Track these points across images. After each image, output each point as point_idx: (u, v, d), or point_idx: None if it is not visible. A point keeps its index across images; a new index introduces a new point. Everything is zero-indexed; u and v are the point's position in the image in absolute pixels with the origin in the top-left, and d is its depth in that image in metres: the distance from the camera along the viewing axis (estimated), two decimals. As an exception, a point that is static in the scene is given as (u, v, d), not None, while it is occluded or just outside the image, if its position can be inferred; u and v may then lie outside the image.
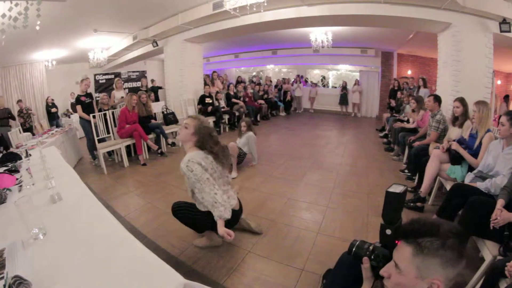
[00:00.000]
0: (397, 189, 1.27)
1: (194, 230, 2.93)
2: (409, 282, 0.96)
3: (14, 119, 8.07)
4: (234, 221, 2.68)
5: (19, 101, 9.09)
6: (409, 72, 10.50)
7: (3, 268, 1.34)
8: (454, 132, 4.06)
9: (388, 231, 1.19)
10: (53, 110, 9.80)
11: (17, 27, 3.76)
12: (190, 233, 3.14)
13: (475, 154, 3.18)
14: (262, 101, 11.16)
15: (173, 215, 2.73)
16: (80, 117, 5.98)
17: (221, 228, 2.17)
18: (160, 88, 10.05)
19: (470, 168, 3.16)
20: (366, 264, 1.21)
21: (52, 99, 9.94)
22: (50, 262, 1.41)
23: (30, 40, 7.26)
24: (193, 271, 2.52)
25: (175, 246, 2.94)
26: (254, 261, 2.68)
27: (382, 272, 1.06)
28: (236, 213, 2.68)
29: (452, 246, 0.89)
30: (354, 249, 1.27)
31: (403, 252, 0.97)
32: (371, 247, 1.23)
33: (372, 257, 1.18)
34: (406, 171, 4.77)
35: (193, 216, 2.63)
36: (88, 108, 5.93)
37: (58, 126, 8.64)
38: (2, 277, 1.27)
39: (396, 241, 1.01)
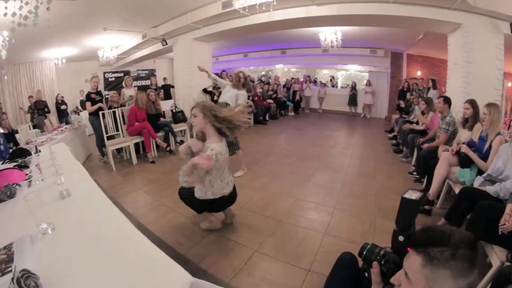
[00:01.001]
0: (413, 195, 1.23)
1: (194, 210, 3.12)
2: None
3: (49, 112, 9.25)
4: (222, 206, 3.03)
5: (30, 97, 9.23)
6: (419, 73, 10.38)
7: (11, 262, 1.37)
8: (463, 135, 4.01)
9: (401, 238, 1.17)
10: (63, 107, 9.89)
11: (27, 25, 3.81)
12: (197, 231, 3.18)
13: (484, 157, 3.13)
14: (271, 101, 11.17)
15: (179, 197, 3.07)
16: (90, 114, 6.04)
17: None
18: (172, 86, 10.06)
19: (480, 172, 3.12)
20: (376, 269, 1.19)
21: (62, 97, 10.01)
22: (58, 257, 1.43)
23: (40, 38, 7.35)
24: (199, 269, 2.54)
25: (182, 244, 2.96)
26: (261, 260, 2.69)
27: (393, 280, 1.04)
28: (227, 199, 2.95)
29: (463, 256, 0.86)
30: (365, 252, 1.26)
31: (412, 261, 0.95)
32: (382, 252, 1.22)
33: (383, 262, 1.16)
34: (415, 173, 4.73)
35: (192, 199, 2.92)
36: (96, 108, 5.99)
37: (67, 123, 8.74)
38: (10, 271, 1.29)
39: (408, 248, 0.99)
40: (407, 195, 1.22)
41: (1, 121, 5.13)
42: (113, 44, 9.64)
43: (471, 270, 0.87)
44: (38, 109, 8.99)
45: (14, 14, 3.76)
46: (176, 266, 1.33)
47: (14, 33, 4.07)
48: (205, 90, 8.66)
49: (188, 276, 1.26)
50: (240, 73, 4.95)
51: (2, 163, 3.19)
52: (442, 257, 0.88)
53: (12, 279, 1.07)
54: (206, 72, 5.30)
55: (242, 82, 4.84)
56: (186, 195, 2.98)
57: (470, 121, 3.87)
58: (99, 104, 5.92)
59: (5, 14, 3.72)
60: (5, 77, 9.20)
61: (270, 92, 11.55)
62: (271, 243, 2.97)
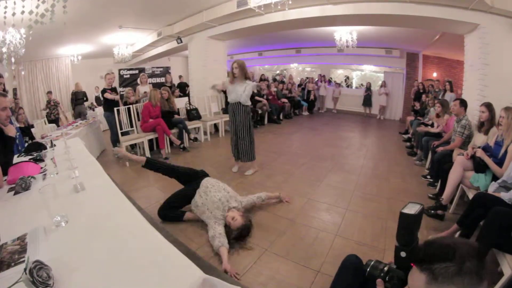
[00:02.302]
0: (412, 209, 1.17)
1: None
2: None
3: (87, 99, 10.23)
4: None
5: (48, 92, 9.43)
6: (435, 74, 10.20)
7: (24, 252, 1.40)
8: (479, 139, 3.93)
9: (403, 254, 1.14)
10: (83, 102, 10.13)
11: (44, 23, 3.89)
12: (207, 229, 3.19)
13: (500, 162, 3.06)
14: (285, 100, 11.13)
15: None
16: (105, 110, 6.13)
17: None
18: (187, 85, 10.10)
19: (494, 177, 3.05)
20: (380, 286, 1.16)
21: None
22: (70, 249, 1.45)
23: (57, 35, 7.50)
24: (209, 267, 2.54)
25: (193, 241, 2.99)
26: (271, 259, 2.70)
27: None
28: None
29: (470, 270, 0.81)
30: (368, 269, 1.24)
31: (416, 279, 0.91)
32: (386, 268, 1.20)
33: (387, 278, 1.15)
34: (429, 177, 4.66)
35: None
36: (113, 101, 6.08)
37: (80, 115, 8.97)
38: (23, 261, 1.32)
39: (412, 264, 0.96)
40: (406, 210, 1.17)
41: (17, 115, 5.24)
42: (128, 41, 9.76)
43: (479, 283, 0.82)
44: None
45: (31, 12, 3.84)
46: (188, 263, 1.34)
47: (31, 31, 4.16)
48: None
49: (199, 272, 1.26)
50: (234, 64, 4.58)
51: (17, 156, 3.25)
52: (448, 274, 0.82)
53: (25, 269, 1.09)
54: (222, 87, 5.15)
55: (236, 74, 4.55)
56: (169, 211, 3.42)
57: (486, 124, 3.80)
58: (117, 97, 6.02)
59: (22, 12, 3.79)
60: (22, 73, 9.42)
61: (284, 92, 11.52)
62: (281, 242, 2.97)
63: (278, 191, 3.99)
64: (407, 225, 1.12)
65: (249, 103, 4.71)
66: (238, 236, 2.88)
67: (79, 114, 9.42)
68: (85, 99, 10.06)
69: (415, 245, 1.14)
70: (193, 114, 7.39)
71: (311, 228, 3.24)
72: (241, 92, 4.55)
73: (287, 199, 3.87)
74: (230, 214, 3.00)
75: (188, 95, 9.04)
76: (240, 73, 4.54)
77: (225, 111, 8.52)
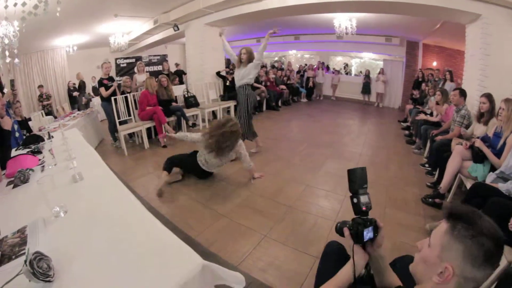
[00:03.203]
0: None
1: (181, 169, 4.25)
2: (431, 259, 0.97)
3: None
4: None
5: (40, 86, 9.35)
6: (435, 63, 10.13)
7: (25, 245, 1.41)
8: (478, 129, 3.92)
9: (355, 200, 1.28)
10: (75, 94, 10.06)
11: (38, 14, 3.83)
12: (208, 215, 3.24)
13: (498, 153, 3.06)
14: (283, 87, 11.09)
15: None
16: (102, 100, 6.08)
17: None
18: (184, 73, 10.04)
19: (493, 168, 3.06)
20: (346, 233, 1.25)
21: (74, 83, 10.20)
22: (70, 240, 1.46)
23: (52, 26, 7.36)
24: (209, 253, 2.58)
25: (193, 228, 3.01)
26: (270, 246, 2.73)
27: (418, 243, 1.07)
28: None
29: (481, 244, 0.86)
30: (338, 225, 1.34)
31: (440, 228, 0.98)
32: (350, 221, 1.30)
33: (350, 226, 1.26)
34: (427, 165, 4.67)
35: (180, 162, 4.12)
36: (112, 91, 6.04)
37: (79, 109, 8.88)
38: (24, 253, 1.32)
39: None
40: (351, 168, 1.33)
41: (14, 109, 5.19)
42: (124, 30, 9.61)
43: (482, 264, 0.87)
44: (82, 89, 10.19)
45: (24, 4, 3.77)
46: (188, 249, 1.35)
47: (25, 23, 4.10)
48: (218, 74, 8.63)
49: (199, 259, 1.28)
50: (242, 50, 5.10)
51: (15, 150, 3.24)
52: (463, 233, 0.89)
53: (25, 261, 1.10)
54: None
55: (243, 59, 5.01)
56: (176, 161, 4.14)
57: (486, 115, 3.78)
58: (114, 85, 5.96)
59: (15, 4, 3.73)
60: (17, 66, 9.28)
61: (283, 78, 11.48)
62: (280, 229, 3.00)
63: (276, 178, 4.10)
64: (353, 178, 1.29)
65: (252, 81, 5.11)
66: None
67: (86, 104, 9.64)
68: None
69: (364, 190, 1.31)
70: (191, 101, 7.36)
71: (310, 214, 3.27)
72: (245, 74, 4.99)
73: (258, 176, 4.19)
74: None
75: (183, 83, 8.97)
76: (247, 58, 4.97)
77: (223, 98, 8.51)
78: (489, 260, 0.87)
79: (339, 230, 1.31)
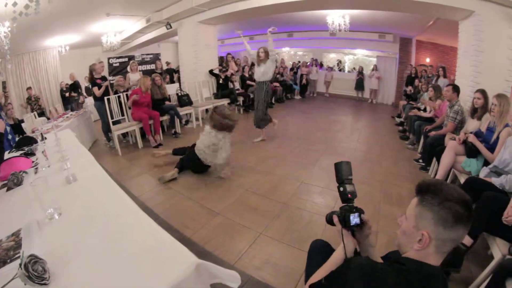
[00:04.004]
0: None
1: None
2: (408, 230, 1.07)
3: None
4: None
5: (28, 88, 9.23)
6: (428, 59, 10.19)
7: (19, 248, 1.39)
8: (472, 124, 3.95)
9: (341, 188, 1.38)
10: (72, 94, 9.95)
11: (29, 14, 3.79)
12: (202, 214, 3.23)
13: (491, 148, 3.10)
14: (277, 84, 11.08)
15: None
16: (95, 100, 6.02)
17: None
18: (175, 71, 10.00)
19: (486, 163, 3.09)
20: (335, 219, 1.34)
21: (66, 84, 10.08)
22: (65, 241, 1.45)
23: (43, 26, 7.27)
24: (205, 252, 2.58)
25: (188, 227, 3.01)
26: (265, 243, 2.73)
27: (398, 220, 1.17)
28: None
29: (448, 208, 0.96)
30: (328, 215, 1.43)
31: (412, 202, 1.09)
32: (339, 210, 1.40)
33: (338, 213, 1.35)
34: (421, 160, 4.71)
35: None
36: (104, 91, 5.98)
37: (72, 110, 8.82)
38: (19, 257, 1.31)
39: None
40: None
41: (6, 111, 5.12)
42: (116, 29, 9.55)
43: (453, 225, 0.96)
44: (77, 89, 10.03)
45: (15, 4, 3.73)
46: (182, 248, 1.35)
47: (16, 23, 4.05)
48: (211, 72, 8.61)
49: (193, 258, 1.28)
50: (260, 49, 5.59)
51: (8, 152, 3.21)
52: (430, 201, 1.00)
53: (20, 264, 1.09)
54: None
55: (262, 57, 5.52)
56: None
57: (480, 111, 3.82)
58: (106, 83, 5.91)
59: (6, 5, 3.69)
60: (9, 66, 9.16)
61: (276, 75, 11.43)
62: (276, 226, 3.01)
63: (270, 175, 4.16)
64: (340, 169, 1.41)
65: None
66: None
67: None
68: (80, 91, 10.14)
69: (349, 180, 1.41)
70: (184, 100, 7.35)
71: (305, 211, 3.28)
72: (265, 71, 5.53)
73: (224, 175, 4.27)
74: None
75: (174, 81, 8.93)
76: (265, 56, 5.49)
77: (216, 96, 8.50)
78: (459, 221, 0.96)
79: (329, 219, 1.40)
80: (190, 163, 4.33)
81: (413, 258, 1.03)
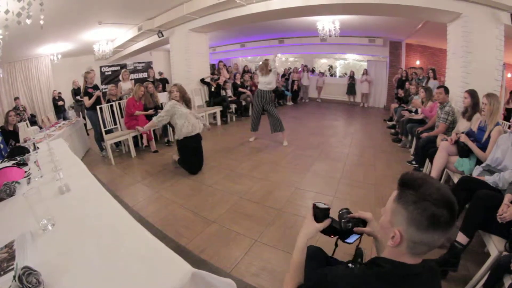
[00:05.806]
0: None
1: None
2: (384, 224, 1.02)
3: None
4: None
5: (16, 98, 9.13)
6: (418, 62, 10.33)
7: (13, 260, 1.37)
8: (462, 125, 4.00)
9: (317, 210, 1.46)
10: (60, 103, 9.88)
11: (21, 22, 3.77)
12: (197, 222, 3.20)
13: (483, 147, 3.13)
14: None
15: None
16: (87, 109, 5.99)
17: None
18: (168, 82, 9.98)
19: (478, 162, 3.13)
20: (328, 222, 1.44)
21: (59, 93, 9.98)
22: (59, 252, 1.44)
23: (35, 35, 7.22)
24: (200, 260, 2.56)
25: (183, 235, 2.98)
26: (261, 250, 2.72)
27: (381, 210, 1.10)
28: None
29: (423, 209, 0.87)
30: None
31: (392, 195, 1.02)
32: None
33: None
34: (414, 162, 4.74)
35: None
36: (95, 100, 5.95)
37: (65, 118, 8.76)
38: (12, 268, 1.29)
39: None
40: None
41: (8, 117, 5.05)
42: (108, 37, 9.50)
43: (427, 228, 0.87)
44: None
45: (7, 12, 3.71)
46: (177, 257, 1.34)
47: (8, 31, 4.03)
48: (202, 81, 8.62)
49: (188, 267, 1.28)
50: (265, 61, 5.99)
51: (1, 162, 3.17)
52: (407, 199, 0.92)
53: (14, 276, 1.08)
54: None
55: (266, 69, 5.93)
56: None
57: (469, 111, 3.87)
58: (97, 93, 5.89)
59: None
60: (0, 75, 9.08)
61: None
62: (271, 232, 2.99)
63: (264, 182, 4.16)
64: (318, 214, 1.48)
65: (273, 86, 6.16)
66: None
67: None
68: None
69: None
70: (177, 108, 7.30)
71: (300, 217, 3.27)
72: (269, 81, 5.99)
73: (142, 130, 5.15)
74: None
75: (166, 90, 8.91)
76: (266, 68, 5.93)
77: (208, 103, 8.50)
78: (435, 225, 0.87)
79: (319, 220, 1.48)
80: (185, 157, 4.70)
81: (389, 258, 0.98)
